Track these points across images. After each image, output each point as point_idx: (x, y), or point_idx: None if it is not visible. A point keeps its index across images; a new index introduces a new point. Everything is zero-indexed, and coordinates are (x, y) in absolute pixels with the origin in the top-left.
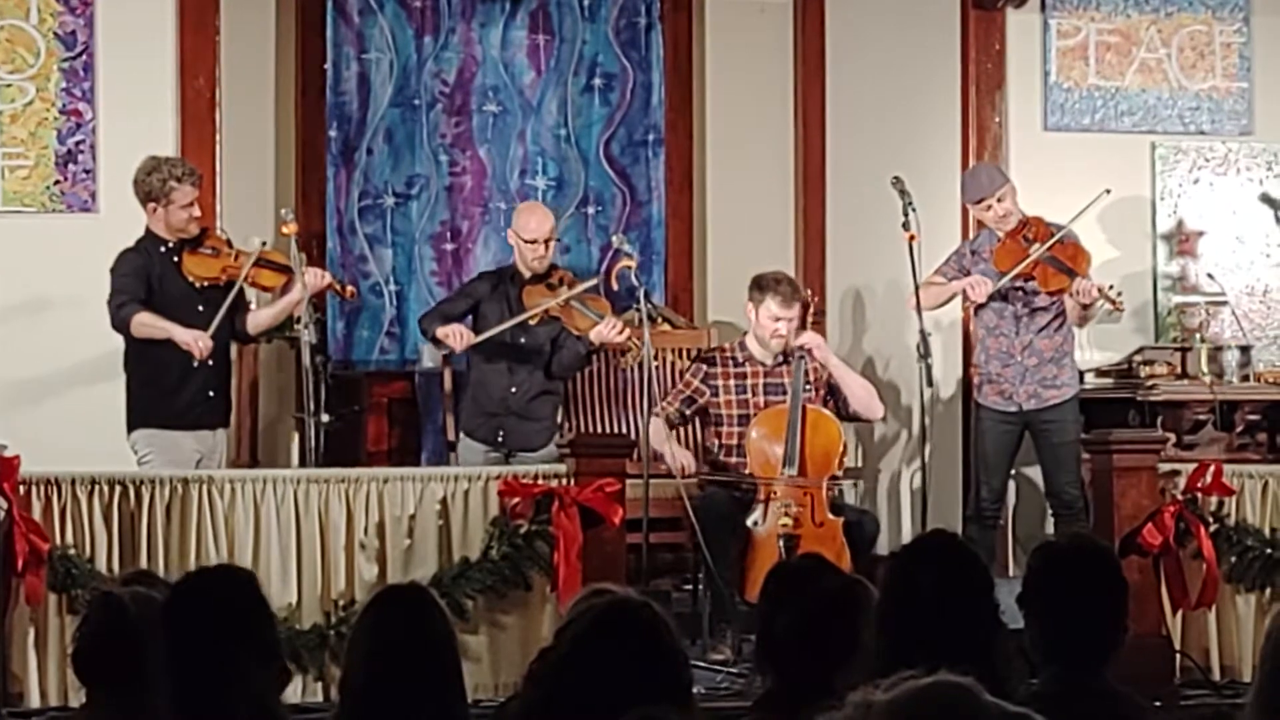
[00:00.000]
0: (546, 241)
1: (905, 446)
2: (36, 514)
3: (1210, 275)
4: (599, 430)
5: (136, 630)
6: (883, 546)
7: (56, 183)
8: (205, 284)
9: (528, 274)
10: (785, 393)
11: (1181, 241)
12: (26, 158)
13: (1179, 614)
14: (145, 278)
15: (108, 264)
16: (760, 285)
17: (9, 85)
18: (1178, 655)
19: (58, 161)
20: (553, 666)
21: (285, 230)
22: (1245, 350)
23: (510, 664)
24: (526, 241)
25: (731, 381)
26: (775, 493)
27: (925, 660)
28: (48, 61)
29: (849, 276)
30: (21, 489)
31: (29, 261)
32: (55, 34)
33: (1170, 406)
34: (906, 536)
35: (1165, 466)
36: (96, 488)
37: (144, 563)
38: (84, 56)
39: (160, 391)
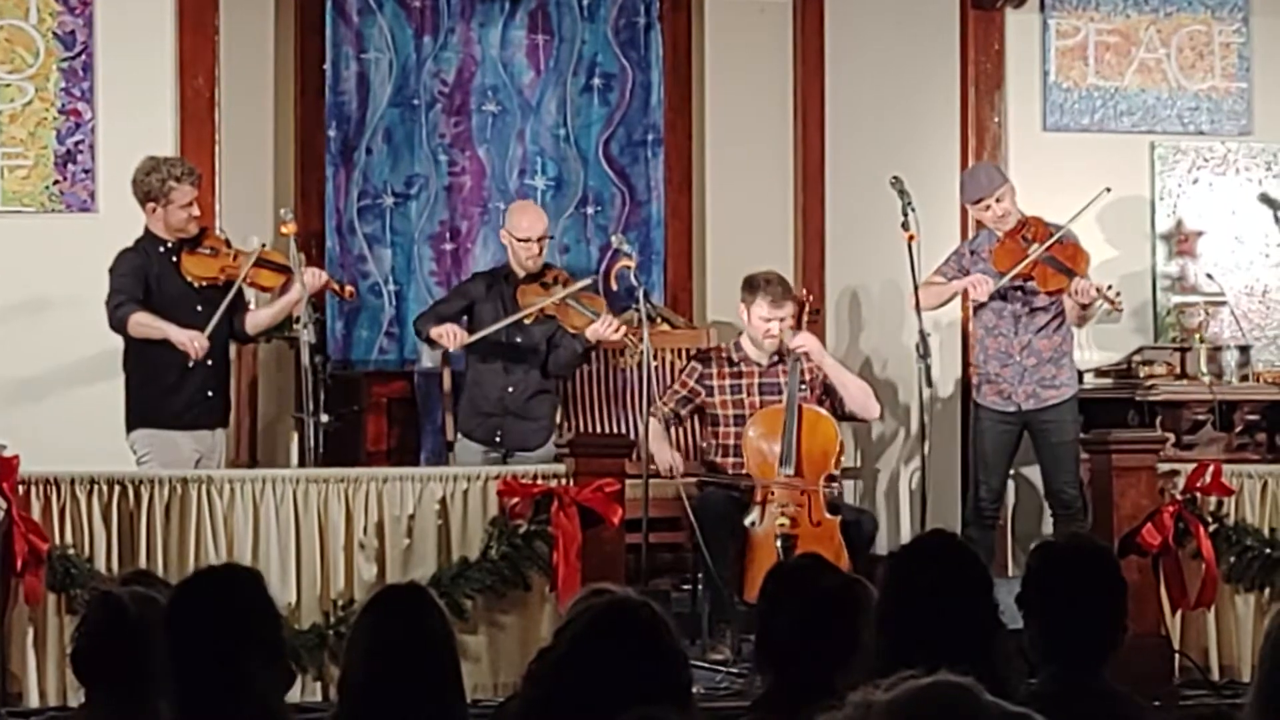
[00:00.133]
0: (540, 240)
1: (904, 446)
2: (36, 514)
3: (1209, 275)
4: (598, 430)
5: (136, 630)
6: (882, 547)
7: (56, 182)
8: (204, 284)
9: (522, 273)
10: (781, 392)
11: (1180, 241)
12: (26, 158)
13: (1178, 614)
14: (143, 278)
15: (107, 264)
16: (751, 286)
17: (8, 85)
18: (1177, 655)
19: (57, 161)
20: (552, 666)
21: (284, 230)
22: (1244, 350)
23: (509, 664)
24: (520, 241)
25: (727, 382)
26: (772, 493)
27: (925, 660)
28: (47, 61)
29: (848, 276)
30: (21, 489)
31: (28, 261)
32: (54, 34)
33: (1169, 406)
34: (906, 536)
35: (1164, 466)
36: (96, 487)
37: (143, 562)
38: (83, 56)
39: (159, 391)
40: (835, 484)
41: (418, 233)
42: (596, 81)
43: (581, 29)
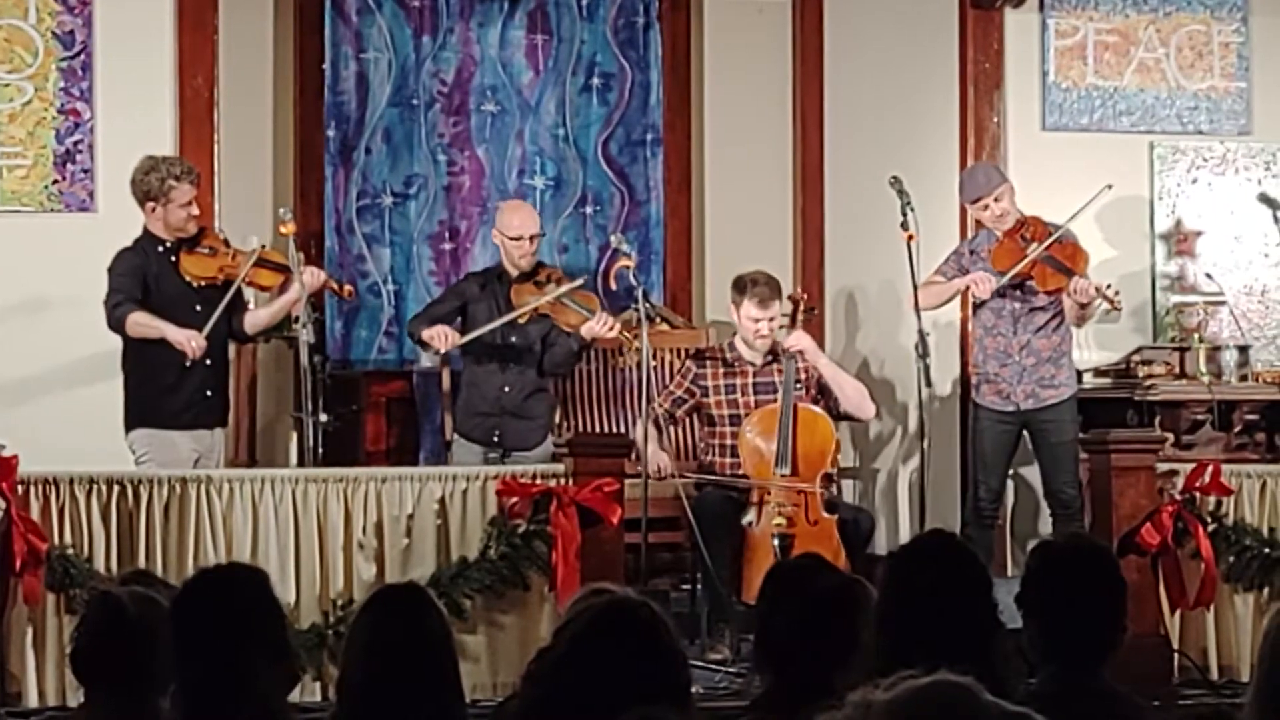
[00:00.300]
0: (532, 238)
1: (903, 446)
2: (35, 513)
3: (1208, 275)
4: (597, 430)
5: (135, 630)
6: (881, 547)
7: (55, 182)
8: (202, 283)
9: (515, 272)
10: (776, 392)
11: (1180, 241)
12: (25, 157)
13: (1177, 613)
14: (141, 277)
15: (106, 263)
16: (738, 286)
17: (7, 85)
18: (1176, 655)
19: (56, 161)
20: (551, 666)
21: (283, 230)
22: (1243, 350)
23: (508, 664)
24: (511, 239)
25: (721, 382)
26: (769, 493)
27: (924, 660)
28: (46, 61)
29: (847, 276)
30: (20, 488)
31: (27, 261)
32: (53, 33)
33: (1168, 406)
34: (905, 536)
35: (1163, 466)
36: (95, 487)
37: (142, 562)
38: (82, 56)
39: (158, 391)
40: (832, 483)
41: (417, 232)
42: (595, 81)
43: (580, 29)
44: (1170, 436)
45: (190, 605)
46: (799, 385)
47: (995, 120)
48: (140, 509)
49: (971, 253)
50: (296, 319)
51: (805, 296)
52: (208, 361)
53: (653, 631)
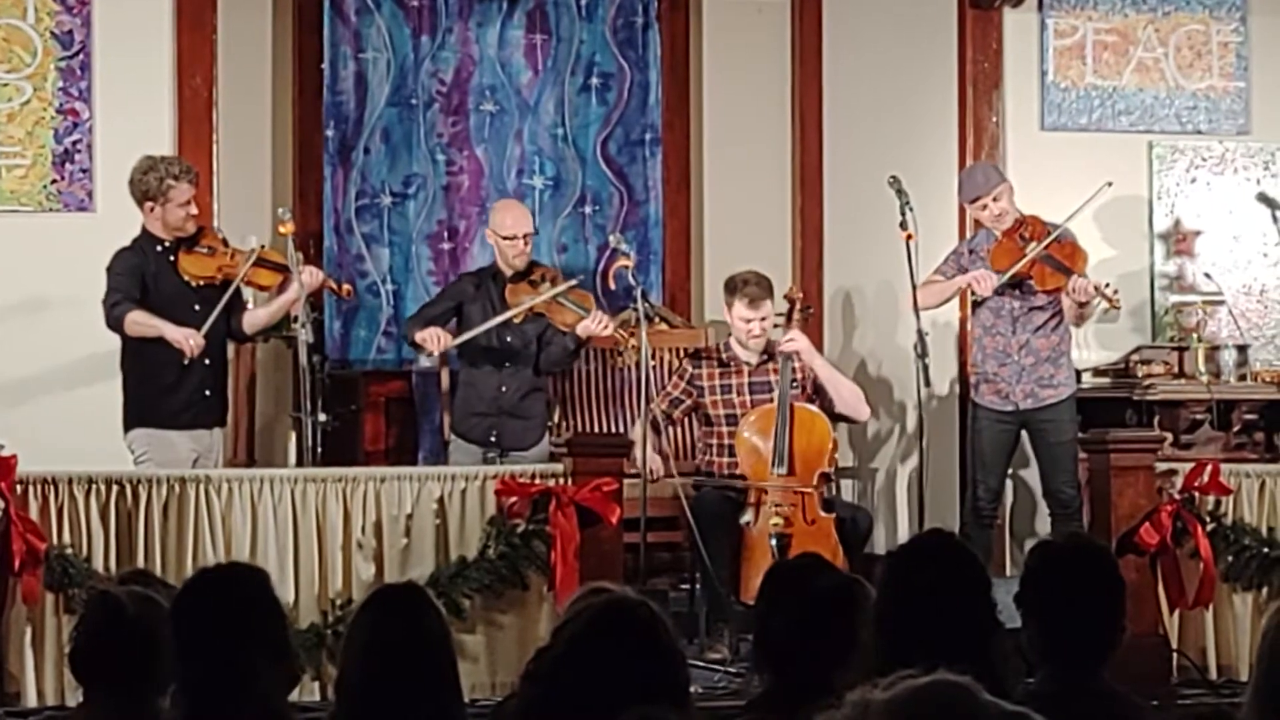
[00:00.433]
0: (525, 237)
1: (902, 446)
2: (34, 513)
3: (1207, 275)
4: (596, 430)
5: (134, 630)
6: (880, 546)
7: (54, 182)
8: (201, 283)
9: (509, 272)
10: (771, 391)
11: (1178, 241)
12: (23, 157)
13: (1176, 613)
14: (140, 277)
15: (104, 263)
16: (729, 287)
17: (6, 84)
18: (1175, 654)
19: (55, 161)
20: (550, 665)
21: (282, 230)
22: (1242, 349)
23: (507, 663)
24: (505, 239)
25: (717, 382)
26: (766, 492)
27: (923, 659)
28: (45, 61)
29: (846, 276)
30: (19, 488)
31: (26, 261)
32: (52, 33)
33: (1167, 406)
34: (904, 536)
35: (1162, 466)
36: (93, 487)
37: (141, 562)
38: (81, 56)
39: (157, 391)
40: (829, 482)
41: (415, 232)
42: (594, 81)
43: (579, 29)
44: (1169, 436)
45: (191, 604)
46: (795, 385)
47: (994, 120)
48: (139, 509)
49: (970, 252)
50: (295, 319)
51: (802, 295)
52: (206, 361)
53: (651, 631)
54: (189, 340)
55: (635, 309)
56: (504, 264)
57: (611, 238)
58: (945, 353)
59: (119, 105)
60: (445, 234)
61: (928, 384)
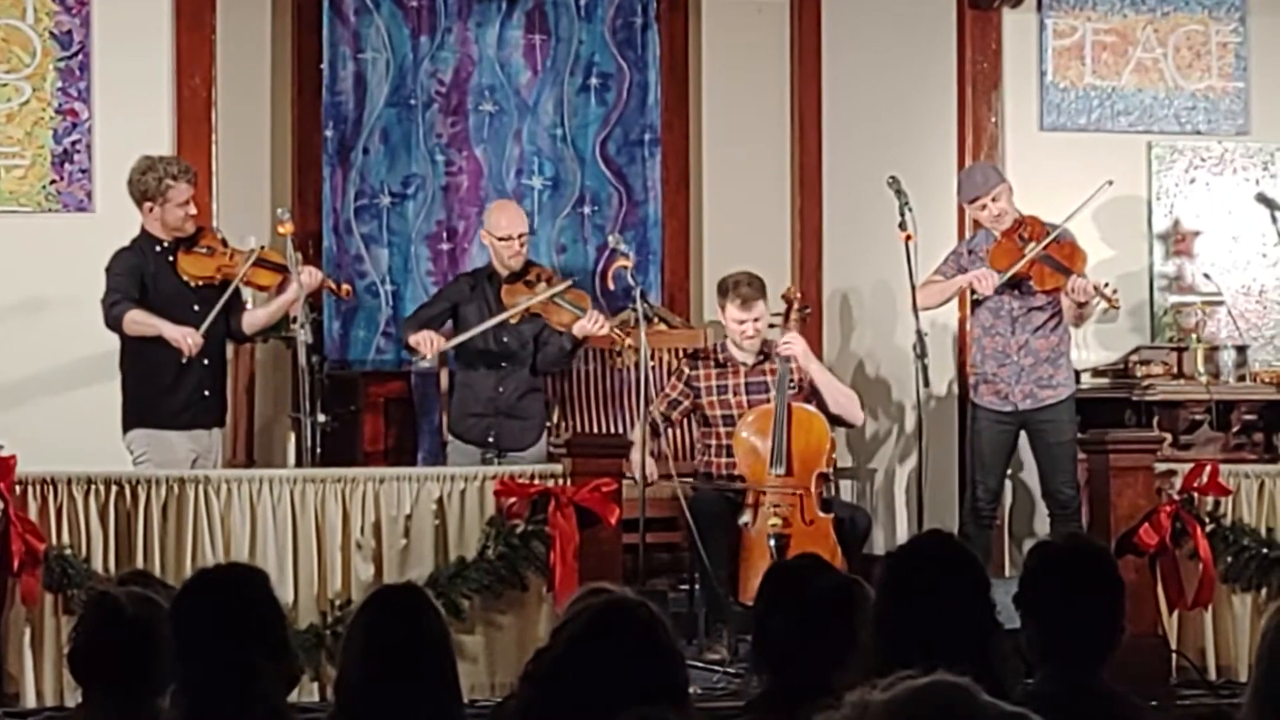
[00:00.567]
0: (520, 237)
1: (901, 446)
2: (33, 513)
3: (1206, 275)
4: (595, 430)
5: (133, 630)
6: (879, 547)
7: (53, 182)
8: (200, 283)
9: (505, 272)
10: (768, 392)
11: (1178, 241)
12: (23, 157)
13: (1175, 614)
14: (139, 277)
15: (104, 263)
16: (722, 289)
17: (5, 85)
18: (1174, 655)
19: (54, 161)
20: (549, 666)
21: (281, 230)
22: (1241, 350)
23: (506, 664)
24: (500, 240)
25: (714, 382)
26: (764, 493)
27: (922, 660)
28: (44, 61)
29: (845, 276)
30: (18, 488)
31: (25, 261)
32: (51, 33)
33: (1166, 406)
34: (903, 537)
35: (1161, 466)
36: (93, 487)
37: (140, 562)
38: (80, 56)
39: (156, 391)
40: (828, 482)
41: (415, 232)
42: (594, 81)
43: (578, 29)
44: (1168, 436)
45: (190, 605)
46: (793, 385)
47: (993, 120)
48: (138, 509)
49: (970, 252)
50: (294, 319)
51: (799, 295)
52: (205, 361)
53: (650, 631)
54: (187, 339)
55: (634, 309)
56: (499, 265)
57: (610, 238)
58: (944, 353)
59: (118, 105)
60: (444, 234)
61: (927, 384)
